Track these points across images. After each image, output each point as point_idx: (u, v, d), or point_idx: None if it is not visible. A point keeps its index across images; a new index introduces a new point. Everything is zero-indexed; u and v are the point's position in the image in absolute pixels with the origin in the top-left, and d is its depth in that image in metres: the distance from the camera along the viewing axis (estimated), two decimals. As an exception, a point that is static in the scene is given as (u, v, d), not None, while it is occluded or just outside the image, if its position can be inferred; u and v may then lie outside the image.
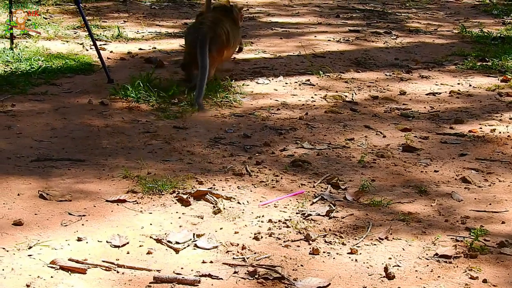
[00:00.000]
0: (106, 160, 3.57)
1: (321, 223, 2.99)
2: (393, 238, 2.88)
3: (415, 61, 5.92)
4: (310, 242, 2.82)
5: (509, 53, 6.07)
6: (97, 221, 2.93)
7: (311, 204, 3.18)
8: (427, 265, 2.68)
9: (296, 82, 5.14)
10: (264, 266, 2.62)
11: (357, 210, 3.13)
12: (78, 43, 5.97)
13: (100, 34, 6.29)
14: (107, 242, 2.75)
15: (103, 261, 2.60)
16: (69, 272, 2.52)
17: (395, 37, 6.83)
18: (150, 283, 2.48)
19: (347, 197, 3.25)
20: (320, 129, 4.17)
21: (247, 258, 2.68)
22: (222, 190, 3.26)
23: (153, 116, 4.29)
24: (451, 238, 2.89)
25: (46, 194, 3.12)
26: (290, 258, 2.70)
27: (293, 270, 2.62)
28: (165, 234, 2.83)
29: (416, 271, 2.63)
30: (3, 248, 2.65)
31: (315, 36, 6.70)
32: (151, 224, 2.92)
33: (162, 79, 4.87)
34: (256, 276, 2.55)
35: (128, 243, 2.75)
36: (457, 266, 2.67)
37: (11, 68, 5.06)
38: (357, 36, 6.80)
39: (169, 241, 2.77)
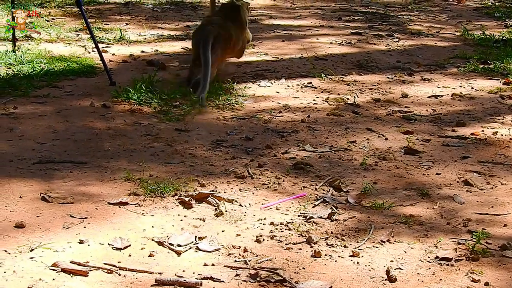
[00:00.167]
0: (108, 163, 3.57)
1: (323, 226, 2.99)
2: (395, 241, 2.87)
3: (417, 64, 5.91)
4: (312, 244, 2.81)
5: (511, 55, 6.06)
6: (99, 223, 2.93)
7: (313, 207, 3.18)
8: (429, 268, 2.67)
9: (298, 85, 5.14)
10: (266, 269, 2.61)
11: (359, 212, 3.13)
12: (80, 45, 5.97)
13: (102, 36, 6.29)
14: (109, 244, 2.75)
15: (105, 264, 2.60)
16: (71, 274, 2.52)
17: (397, 40, 6.82)
18: (152, 285, 2.49)
19: (349, 200, 3.25)
20: (322, 132, 4.17)
21: (249, 261, 2.67)
22: (224, 192, 3.26)
23: (155, 118, 4.29)
24: (453, 241, 2.89)
25: (48, 196, 3.13)
26: (292, 261, 2.69)
27: (295, 273, 2.61)
28: (167, 236, 2.83)
29: (418, 274, 2.63)
30: (5, 251, 2.65)
31: (317, 39, 6.70)
32: (153, 226, 2.92)
33: (164, 81, 4.88)
34: (258, 278, 2.55)
35: (130, 245, 2.75)
36: (459, 269, 2.67)
37: (13, 71, 5.07)
38: (359, 38, 6.80)
39: (171, 244, 2.77)
